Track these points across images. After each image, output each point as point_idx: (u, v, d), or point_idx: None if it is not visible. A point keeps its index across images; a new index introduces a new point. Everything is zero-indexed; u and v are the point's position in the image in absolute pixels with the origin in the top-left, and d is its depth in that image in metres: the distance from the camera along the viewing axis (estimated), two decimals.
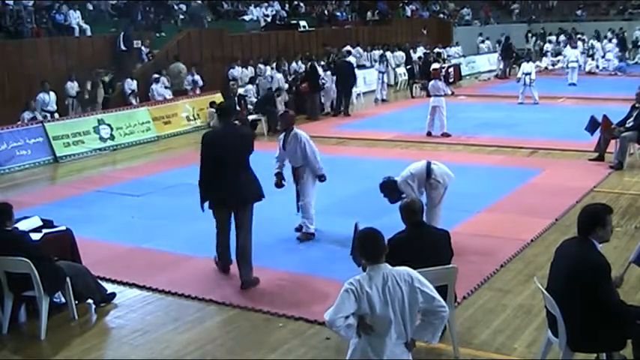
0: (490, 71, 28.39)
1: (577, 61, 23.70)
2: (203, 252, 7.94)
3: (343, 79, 18.87)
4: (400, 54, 25.49)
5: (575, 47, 25.28)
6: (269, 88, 18.70)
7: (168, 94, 18.06)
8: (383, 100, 21.31)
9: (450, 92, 15.73)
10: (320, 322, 5.95)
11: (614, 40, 29.02)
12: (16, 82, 16.48)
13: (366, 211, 8.91)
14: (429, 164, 7.55)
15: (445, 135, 14.42)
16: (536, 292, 5.55)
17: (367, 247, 3.96)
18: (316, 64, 19.23)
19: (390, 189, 7.46)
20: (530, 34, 34.38)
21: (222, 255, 7.22)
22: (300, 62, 21.50)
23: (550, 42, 32.15)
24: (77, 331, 6.11)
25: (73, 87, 16.93)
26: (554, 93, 20.54)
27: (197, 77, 18.77)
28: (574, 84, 22.98)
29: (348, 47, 23.73)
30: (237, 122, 8.73)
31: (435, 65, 22.65)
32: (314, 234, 8.31)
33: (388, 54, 24.19)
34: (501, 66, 27.17)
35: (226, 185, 6.67)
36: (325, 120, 18.04)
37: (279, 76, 19.04)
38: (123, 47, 18.81)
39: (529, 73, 18.86)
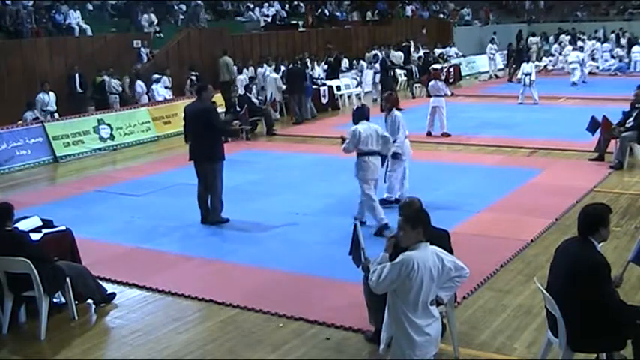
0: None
1: (577, 62, 23.68)
2: (203, 252, 7.96)
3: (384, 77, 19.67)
4: (399, 54, 25.48)
5: (577, 48, 25.28)
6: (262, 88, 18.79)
7: (168, 94, 18.08)
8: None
9: (449, 93, 15.66)
10: (320, 322, 5.96)
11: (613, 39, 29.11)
12: (16, 82, 16.48)
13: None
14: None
15: (445, 135, 14.41)
16: (536, 292, 5.55)
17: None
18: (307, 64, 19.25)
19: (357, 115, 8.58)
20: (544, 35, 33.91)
21: (200, 202, 8.92)
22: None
23: (547, 41, 32.16)
24: (77, 331, 6.11)
25: (115, 83, 17.28)
26: (554, 93, 20.54)
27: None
28: (575, 83, 23.00)
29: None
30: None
31: (436, 66, 22.64)
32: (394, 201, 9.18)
33: (383, 54, 24.21)
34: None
35: (192, 143, 8.98)
36: (325, 120, 18.02)
37: (275, 75, 18.94)
38: (79, 89, 17.20)
39: (529, 74, 18.83)
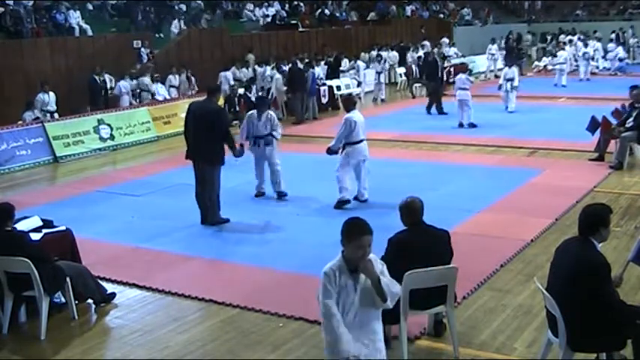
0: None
1: (565, 63, 23.59)
2: (203, 252, 7.96)
3: (432, 77, 18.59)
4: (394, 54, 25.45)
5: (562, 47, 25.26)
6: (268, 89, 18.73)
7: (172, 93, 18.10)
8: (382, 100, 21.30)
9: (472, 80, 16.32)
10: (320, 322, 5.95)
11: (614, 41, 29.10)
12: (16, 82, 16.48)
13: (366, 211, 8.92)
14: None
15: (471, 126, 15.43)
16: (536, 292, 5.55)
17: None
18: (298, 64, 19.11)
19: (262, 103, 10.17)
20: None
21: (198, 202, 8.83)
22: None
23: (546, 41, 32.21)
24: (77, 331, 6.11)
25: (125, 85, 17.33)
26: (554, 93, 20.49)
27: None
28: (564, 85, 22.75)
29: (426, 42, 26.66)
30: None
31: None
32: (346, 201, 9.43)
33: (385, 54, 24.20)
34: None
35: (193, 142, 8.70)
36: (325, 120, 18.00)
37: (278, 75, 18.99)
38: (103, 89, 17.54)
39: (512, 79, 17.62)
